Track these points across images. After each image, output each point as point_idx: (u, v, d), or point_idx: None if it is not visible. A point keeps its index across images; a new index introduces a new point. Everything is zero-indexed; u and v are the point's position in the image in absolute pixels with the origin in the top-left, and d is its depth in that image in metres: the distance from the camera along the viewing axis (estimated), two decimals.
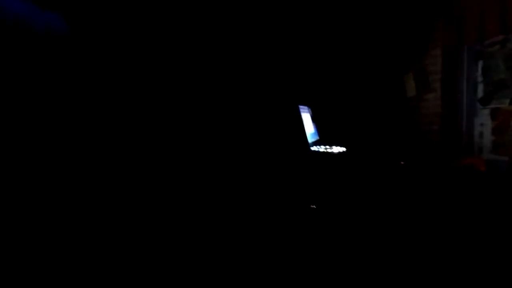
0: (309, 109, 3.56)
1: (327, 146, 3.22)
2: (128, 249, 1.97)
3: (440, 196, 2.44)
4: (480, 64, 3.42)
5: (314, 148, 3.08)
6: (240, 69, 3.19)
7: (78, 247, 1.82)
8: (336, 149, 3.10)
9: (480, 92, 3.44)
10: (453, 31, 3.45)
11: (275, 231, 2.40)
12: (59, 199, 1.91)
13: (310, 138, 3.17)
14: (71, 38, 2.05)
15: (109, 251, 1.90)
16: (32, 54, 1.81)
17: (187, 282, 1.80)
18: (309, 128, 3.29)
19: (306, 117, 3.32)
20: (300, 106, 3.19)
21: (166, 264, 1.92)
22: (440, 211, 2.37)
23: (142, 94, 2.52)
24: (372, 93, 4.07)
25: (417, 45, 3.89)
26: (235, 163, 2.90)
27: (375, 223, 2.44)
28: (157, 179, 2.49)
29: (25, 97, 1.79)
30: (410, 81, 3.93)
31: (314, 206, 2.67)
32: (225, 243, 2.20)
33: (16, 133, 1.73)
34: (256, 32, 3.36)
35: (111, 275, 1.69)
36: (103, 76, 2.30)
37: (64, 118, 2.02)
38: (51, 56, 1.94)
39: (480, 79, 3.43)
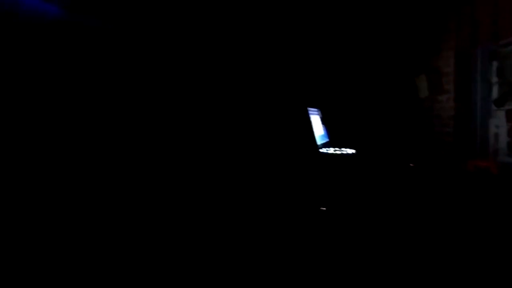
0: (319, 111, 3.57)
1: (337, 148, 3.22)
2: (139, 250, 2.02)
3: (447, 199, 2.41)
4: (495, 64, 3.34)
5: (323, 150, 3.09)
6: (250, 72, 3.23)
7: (78, 247, 1.86)
8: (346, 151, 3.10)
9: (494, 93, 3.36)
10: (466, 32, 3.39)
11: (286, 232, 2.42)
12: (59, 198, 1.95)
13: (320, 140, 3.18)
14: (64, 25, 1.83)
15: (109, 251, 1.94)
16: (18, 45, 1.62)
17: (196, 283, 1.84)
18: (319, 130, 3.30)
19: (316, 120, 3.33)
20: (310, 109, 3.20)
21: (176, 265, 1.97)
22: (446, 214, 2.34)
23: (145, 93, 2.54)
24: (383, 94, 4.04)
25: (430, 46, 3.83)
26: (244, 165, 2.93)
27: (383, 225, 2.42)
28: (166, 180, 2.55)
29: (11, 93, 1.68)
30: (423, 82, 3.87)
31: (324, 208, 2.68)
32: (234, 244, 2.23)
33: (7, 131, 1.70)
34: (267, 34, 3.39)
35: (111, 275, 1.74)
36: (100, 69, 2.20)
37: (56, 113, 1.97)
38: (41, 46, 1.72)
39: (494, 80, 3.36)
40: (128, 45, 2.45)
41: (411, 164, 3.01)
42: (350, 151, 3.14)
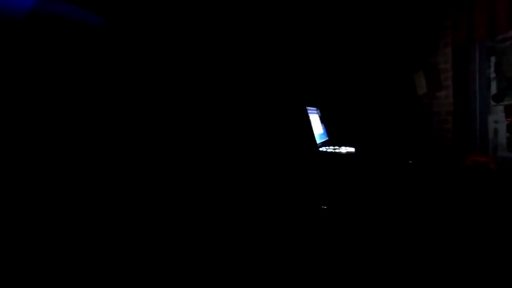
0: (318, 110, 3.59)
1: (336, 147, 3.24)
2: (137, 250, 2.05)
3: (445, 195, 2.43)
4: (493, 60, 3.35)
5: (323, 148, 3.11)
6: (249, 72, 3.25)
7: (78, 247, 1.88)
8: (345, 150, 3.12)
9: (493, 89, 3.37)
10: (463, 28, 3.40)
11: (286, 230, 2.44)
12: (59, 197, 1.96)
13: (319, 139, 3.20)
14: (41, 18, 1.53)
15: (109, 251, 1.96)
16: None
17: (197, 283, 1.87)
18: (318, 129, 3.32)
19: (315, 118, 3.35)
20: (309, 108, 3.22)
21: (176, 265, 1.99)
22: (444, 209, 2.35)
23: (140, 92, 2.53)
24: (381, 92, 4.05)
25: (427, 43, 3.85)
26: (243, 165, 2.96)
27: (384, 221, 2.44)
28: (164, 180, 2.58)
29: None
30: (421, 79, 3.88)
31: (325, 207, 2.69)
32: (234, 243, 2.25)
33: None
34: (264, 33, 3.41)
35: (111, 275, 1.76)
36: (88, 68, 2.10)
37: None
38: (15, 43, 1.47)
39: (493, 75, 3.36)
40: (122, 42, 2.42)
41: (410, 161, 3.03)
42: (350, 149, 3.15)
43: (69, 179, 1.99)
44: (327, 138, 3.52)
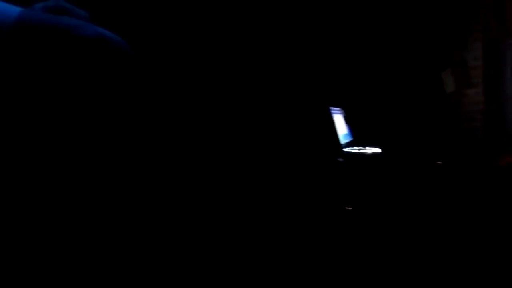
0: (342, 110, 3.55)
1: (361, 147, 3.19)
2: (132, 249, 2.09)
3: (476, 198, 2.36)
4: None
5: (347, 149, 3.08)
6: (272, 73, 3.25)
7: (77, 247, 1.91)
8: (370, 150, 3.07)
9: None
10: (495, 23, 3.29)
11: (311, 231, 2.44)
12: (58, 197, 2.00)
13: (343, 139, 3.16)
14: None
15: (108, 251, 1.99)
16: None
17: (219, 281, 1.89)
18: (342, 129, 3.29)
19: (339, 119, 3.32)
20: (332, 108, 3.19)
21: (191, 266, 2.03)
22: (474, 214, 2.29)
23: (155, 94, 2.54)
24: (408, 90, 3.96)
25: (456, 39, 3.73)
26: (266, 166, 2.97)
27: (411, 223, 2.40)
28: (190, 182, 2.62)
29: None
30: (449, 76, 3.78)
31: (350, 208, 2.67)
32: (254, 245, 2.27)
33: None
34: (288, 33, 3.40)
35: (111, 275, 1.79)
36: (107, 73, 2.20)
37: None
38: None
39: None
40: (118, 51, 2.44)
41: (438, 162, 2.95)
42: (375, 149, 3.10)
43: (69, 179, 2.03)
44: (351, 139, 3.47)
